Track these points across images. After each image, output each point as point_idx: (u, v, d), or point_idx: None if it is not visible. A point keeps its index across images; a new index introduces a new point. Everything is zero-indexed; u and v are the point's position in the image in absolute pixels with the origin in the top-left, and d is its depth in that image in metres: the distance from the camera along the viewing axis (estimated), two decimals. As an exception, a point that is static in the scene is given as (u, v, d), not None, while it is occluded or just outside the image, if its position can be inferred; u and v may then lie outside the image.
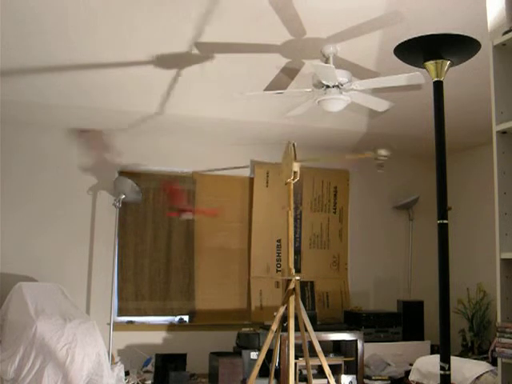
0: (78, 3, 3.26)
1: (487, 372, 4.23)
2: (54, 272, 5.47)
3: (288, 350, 3.64)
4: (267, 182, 6.36)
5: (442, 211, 2.38)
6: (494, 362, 4.34)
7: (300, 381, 5.20)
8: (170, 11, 3.35)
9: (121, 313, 5.82)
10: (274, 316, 3.71)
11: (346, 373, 5.47)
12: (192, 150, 6.15)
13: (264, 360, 3.81)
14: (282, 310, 3.69)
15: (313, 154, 6.22)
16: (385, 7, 3.27)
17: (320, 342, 3.69)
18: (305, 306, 3.81)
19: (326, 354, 4.58)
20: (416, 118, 5.31)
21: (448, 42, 2.42)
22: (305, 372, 5.20)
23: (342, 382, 5.39)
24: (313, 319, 4.69)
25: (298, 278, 3.70)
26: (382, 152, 3.69)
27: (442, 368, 2.30)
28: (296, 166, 3.77)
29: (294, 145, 3.83)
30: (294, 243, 6.00)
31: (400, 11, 3.30)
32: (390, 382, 5.45)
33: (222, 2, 3.23)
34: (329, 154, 6.49)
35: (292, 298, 3.66)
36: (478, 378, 4.21)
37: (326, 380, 3.75)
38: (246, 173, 6.35)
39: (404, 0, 3.19)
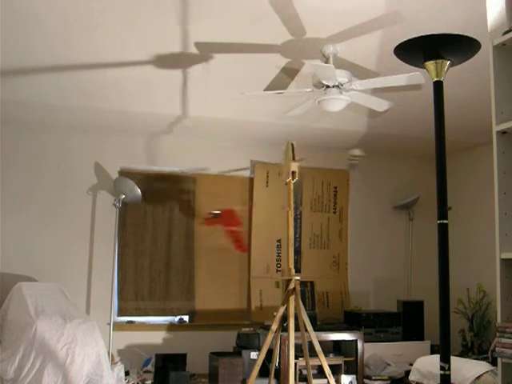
0: (78, 3, 3.26)
1: (487, 372, 4.24)
2: (54, 272, 5.47)
3: (288, 350, 3.64)
4: (267, 182, 6.36)
5: (442, 211, 2.38)
6: (493, 362, 4.34)
7: (300, 381, 5.20)
8: (169, 11, 3.35)
9: (121, 313, 5.82)
10: (274, 316, 3.71)
11: (346, 373, 5.47)
12: (192, 149, 6.15)
13: (264, 360, 3.81)
14: (281, 310, 3.70)
15: (313, 154, 6.24)
16: (385, 7, 3.27)
17: (320, 342, 3.69)
18: (305, 306, 3.81)
19: (326, 354, 4.58)
20: (416, 117, 5.31)
21: (448, 42, 2.42)
22: (305, 372, 5.20)
23: (342, 382, 5.39)
24: (313, 319, 4.69)
25: (298, 277, 3.70)
26: (356, 152, 3.82)
27: (442, 368, 2.30)
28: (294, 166, 3.77)
29: (292, 144, 3.83)
30: (294, 243, 6.01)
31: (400, 11, 3.30)
32: (389, 381, 5.44)
33: (222, 1, 3.24)
34: (329, 154, 6.50)
35: (292, 298, 3.66)
36: (478, 377, 4.22)
37: (326, 380, 3.75)
38: (246, 173, 6.35)
39: (404, 0, 3.19)
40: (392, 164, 6.86)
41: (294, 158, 3.80)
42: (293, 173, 3.79)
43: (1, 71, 4.25)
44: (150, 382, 5.30)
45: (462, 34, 2.39)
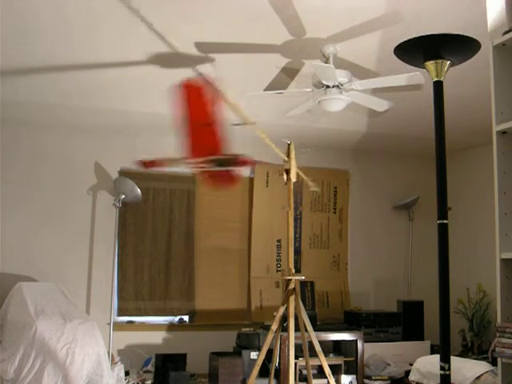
0: (79, 3, 3.26)
1: (487, 372, 4.24)
2: (54, 272, 5.46)
3: (288, 350, 3.63)
4: (267, 182, 6.36)
5: (442, 211, 2.38)
6: (493, 362, 4.34)
7: (300, 381, 5.20)
8: (169, 11, 3.35)
9: (121, 313, 5.82)
10: (274, 316, 3.70)
11: (346, 373, 5.47)
12: (192, 149, 6.14)
13: (264, 360, 3.81)
14: (281, 309, 3.69)
15: (313, 154, 6.26)
16: (385, 7, 3.27)
17: (320, 342, 3.68)
18: (305, 306, 3.81)
19: (326, 354, 4.58)
20: (416, 117, 5.31)
21: (448, 42, 2.42)
22: (305, 372, 5.19)
23: (342, 382, 5.39)
24: (313, 319, 4.68)
25: (302, 277, 3.71)
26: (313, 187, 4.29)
27: (442, 368, 2.30)
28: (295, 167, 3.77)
29: (290, 144, 3.84)
30: (294, 243, 6.00)
31: (400, 11, 3.31)
32: (389, 381, 5.44)
33: (222, 1, 3.24)
34: (329, 154, 6.51)
35: (292, 298, 3.66)
36: (478, 377, 4.22)
37: (325, 380, 3.75)
38: (246, 173, 6.35)
39: (404, 0, 3.19)
40: (392, 164, 6.86)
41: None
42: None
43: (1, 71, 4.25)
44: (149, 382, 5.29)
45: (462, 33, 2.39)
